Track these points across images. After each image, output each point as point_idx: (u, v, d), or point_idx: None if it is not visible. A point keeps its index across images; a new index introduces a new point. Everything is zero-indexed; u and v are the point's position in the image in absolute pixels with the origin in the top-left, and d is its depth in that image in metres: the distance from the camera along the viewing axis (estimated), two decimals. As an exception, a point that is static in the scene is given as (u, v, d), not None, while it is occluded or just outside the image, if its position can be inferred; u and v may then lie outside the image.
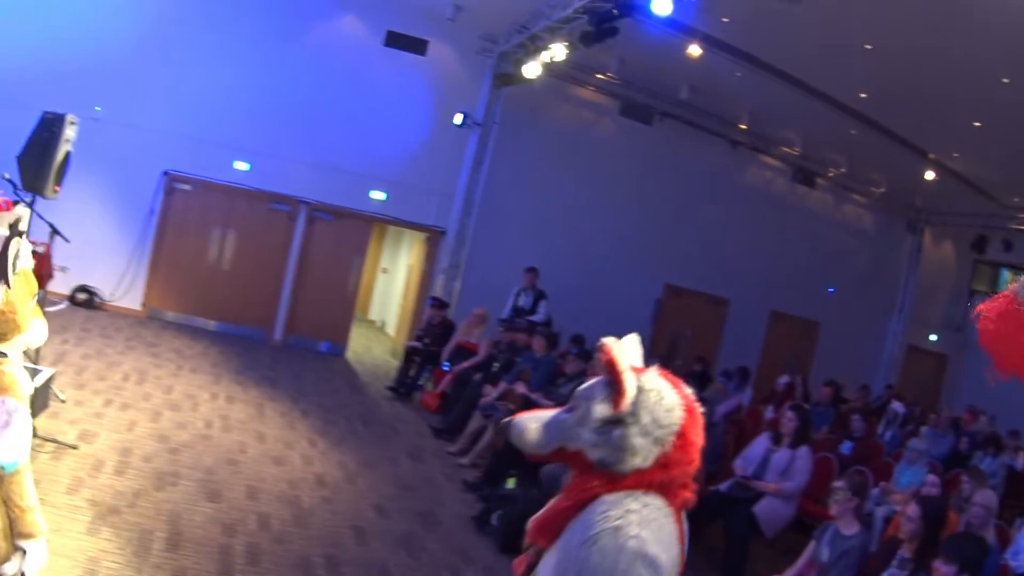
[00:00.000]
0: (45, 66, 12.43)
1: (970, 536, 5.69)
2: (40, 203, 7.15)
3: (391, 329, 17.62)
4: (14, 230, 3.09)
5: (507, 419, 2.87)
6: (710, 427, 9.28)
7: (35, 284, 3.22)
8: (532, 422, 2.75)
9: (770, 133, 16.02)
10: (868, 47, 11.01)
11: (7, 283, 2.98)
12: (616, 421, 2.54)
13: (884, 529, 7.23)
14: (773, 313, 17.25)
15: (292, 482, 7.29)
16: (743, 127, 15.74)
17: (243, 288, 13.88)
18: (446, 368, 11.81)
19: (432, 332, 12.49)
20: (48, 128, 7.07)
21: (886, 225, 18.65)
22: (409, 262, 16.91)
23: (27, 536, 3.05)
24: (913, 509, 5.39)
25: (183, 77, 13.21)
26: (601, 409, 2.56)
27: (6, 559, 3.03)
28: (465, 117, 14.39)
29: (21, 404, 2.98)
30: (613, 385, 2.54)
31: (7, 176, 7.05)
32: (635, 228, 15.70)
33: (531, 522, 2.79)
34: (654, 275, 15.99)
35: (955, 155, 15.10)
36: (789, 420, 7.51)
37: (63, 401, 7.67)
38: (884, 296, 18.95)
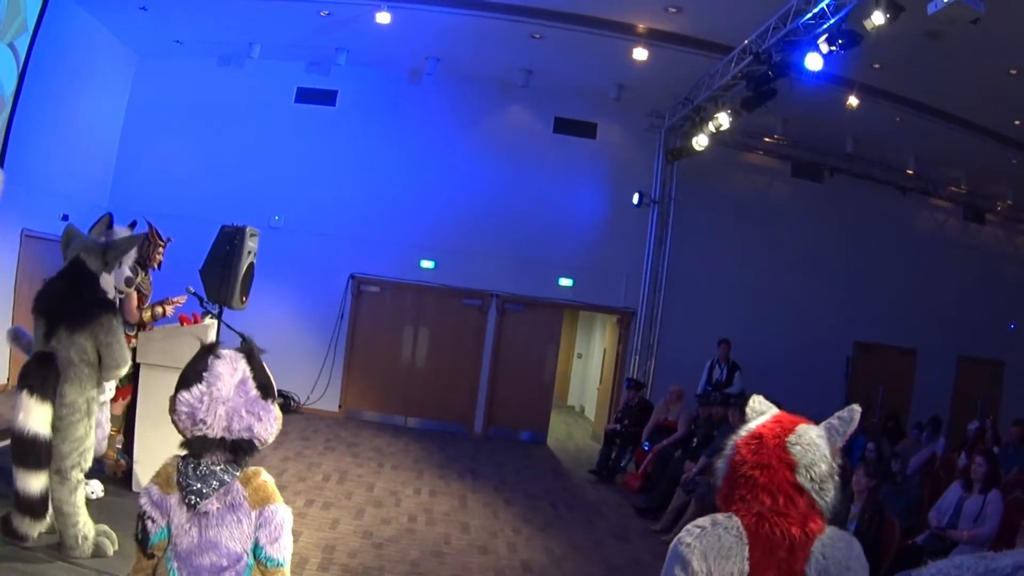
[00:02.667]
0: (223, 181, 13.51)
1: None
2: (228, 312, 7.33)
3: (590, 413, 17.43)
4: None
5: None
6: (904, 481, 8.68)
7: None
8: None
9: (936, 174, 15.46)
10: (1013, 72, 10.79)
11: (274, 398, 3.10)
12: None
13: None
14: (960, 358, 16.16)
15: (498, 570, 7.22)
16: (910, 172, 15.24)
17: (440, 384, 14.16)
18: (647, 448, 11.61)
19: (630, 413, 12.40)
20: (228, 241, 7.25)
21: (1058, 254, 17.28)
22: (603, 345, 16.81)
23: None
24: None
25: (360, 183, 13.98)
26: None
27: None
28: (641, 196, 14.33)
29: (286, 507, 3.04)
30: None
31: (191, 290, 7.31)
32: (819, 288, 15.20)
33: None
34: (843, 333, 15.30)
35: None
36: (979, 466, 7.58)
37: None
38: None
